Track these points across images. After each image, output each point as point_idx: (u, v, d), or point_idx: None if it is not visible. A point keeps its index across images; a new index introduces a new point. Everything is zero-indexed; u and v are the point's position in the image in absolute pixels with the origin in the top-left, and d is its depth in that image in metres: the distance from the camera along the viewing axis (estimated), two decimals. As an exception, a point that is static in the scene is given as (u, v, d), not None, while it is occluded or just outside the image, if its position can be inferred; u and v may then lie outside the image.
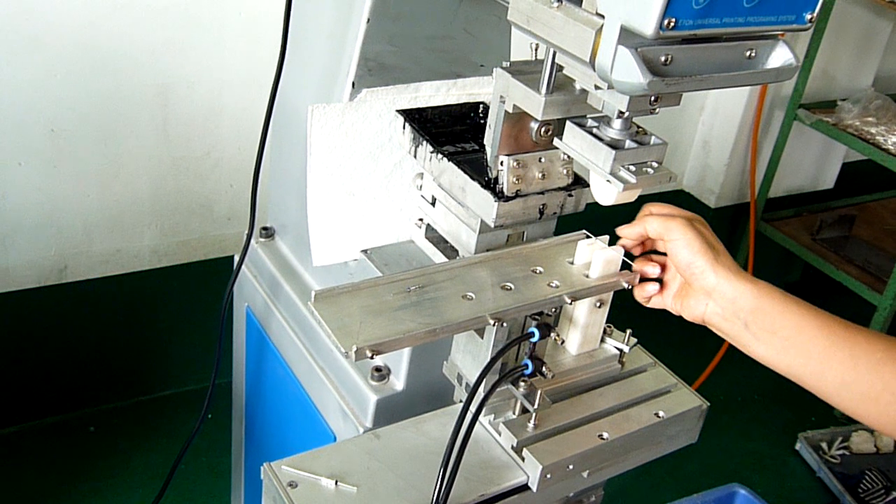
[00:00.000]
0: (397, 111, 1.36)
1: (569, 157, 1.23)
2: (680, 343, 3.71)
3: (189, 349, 2.84)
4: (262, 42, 2.46)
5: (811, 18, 0.98)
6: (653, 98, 1.00)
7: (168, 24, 2.37)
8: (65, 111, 2.35)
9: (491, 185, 1.21)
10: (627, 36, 0.89)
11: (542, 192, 1.23)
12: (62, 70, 2.29)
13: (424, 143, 1.30)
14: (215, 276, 2.33)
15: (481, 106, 1.41)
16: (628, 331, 1.28)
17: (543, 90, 1.08)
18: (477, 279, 1.14)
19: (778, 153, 3.57)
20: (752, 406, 3.35)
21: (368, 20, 1.29)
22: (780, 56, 1.01)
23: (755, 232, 3.67)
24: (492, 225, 1.21)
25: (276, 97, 1.51)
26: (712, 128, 3.70)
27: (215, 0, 2.40)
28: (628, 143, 1.07)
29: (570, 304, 1.16)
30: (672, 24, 0.86)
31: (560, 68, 1.06)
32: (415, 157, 1.33)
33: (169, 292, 2.77)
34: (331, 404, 1.46)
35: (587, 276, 1.18)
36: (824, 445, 3.14)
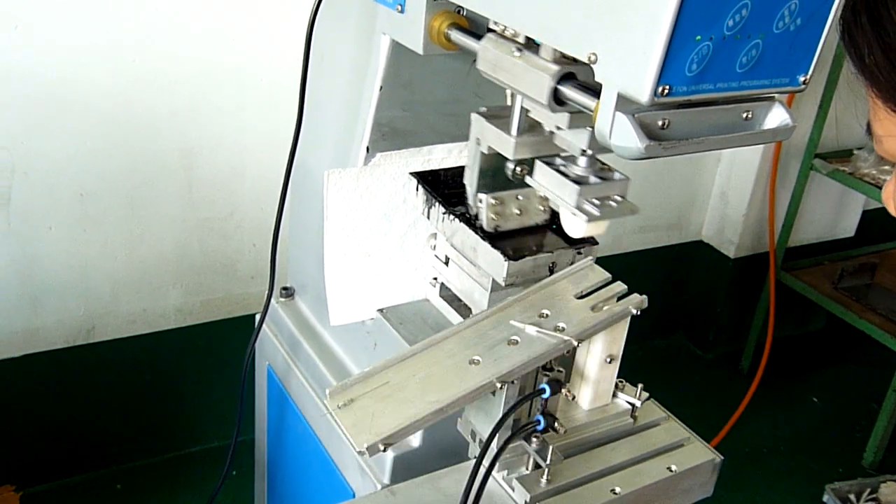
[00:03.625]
0: (410, 173, 1.40)
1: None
2: (703, 394, 3.70)
3: (215, 406, 2.87)
4: (282, 107, 2.53)
5: (805, 80, 1.01)
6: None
7: (192, 91, 2.45)
8: (93, 176, 2.42)
9: (497, 245, 1.24)
10: (625, 103, 0.93)
11: (551, 252, 1.26)
12: (91, 136, 2.37)
13: (437, 204, 1.34)
14: (239, 333, 2.37)
15: (492, 166, 1.45)
16: (640, 385, 1.30)
17: (514, 132, 1.15)
18: (484, 338, 1.15)
19: (796, 203, 3.58)
20: (778, 457, 3.30)
21: (381, 88, 1.34)
22: (777, 117, 1.04)
23: (776, 281, 3.66)
24: (502, 284, 1.24)
25: (293, 162, 1.57)
26: (730, 179, 3.72)
27: (237, 68, 2.48)
28: (592, 179, 1.13)
29: (577, 345, 1.15)
30: (666, 91, 0.90)
31: (527, 111, 1.13)
32: (428, 217, 1.37)
33: (194, 351, 2.82)
34: (349, 461, 1.48)
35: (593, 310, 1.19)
36: (852, 497, 3.08)
